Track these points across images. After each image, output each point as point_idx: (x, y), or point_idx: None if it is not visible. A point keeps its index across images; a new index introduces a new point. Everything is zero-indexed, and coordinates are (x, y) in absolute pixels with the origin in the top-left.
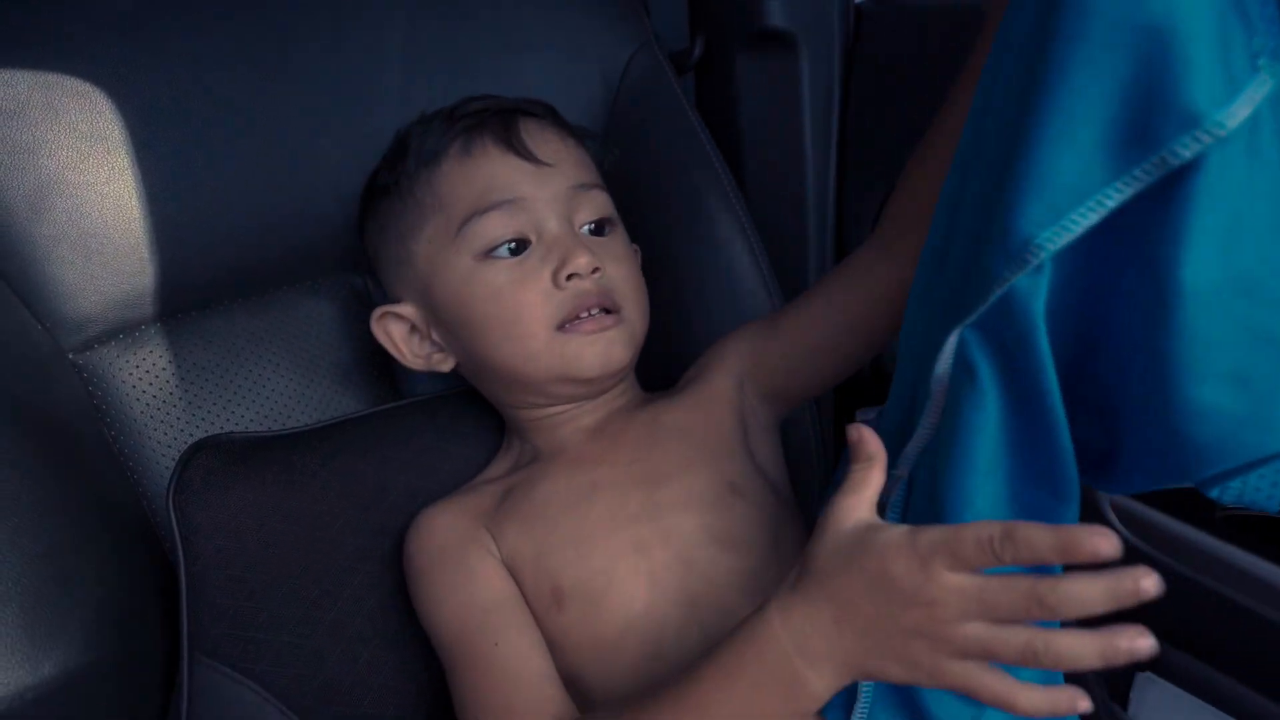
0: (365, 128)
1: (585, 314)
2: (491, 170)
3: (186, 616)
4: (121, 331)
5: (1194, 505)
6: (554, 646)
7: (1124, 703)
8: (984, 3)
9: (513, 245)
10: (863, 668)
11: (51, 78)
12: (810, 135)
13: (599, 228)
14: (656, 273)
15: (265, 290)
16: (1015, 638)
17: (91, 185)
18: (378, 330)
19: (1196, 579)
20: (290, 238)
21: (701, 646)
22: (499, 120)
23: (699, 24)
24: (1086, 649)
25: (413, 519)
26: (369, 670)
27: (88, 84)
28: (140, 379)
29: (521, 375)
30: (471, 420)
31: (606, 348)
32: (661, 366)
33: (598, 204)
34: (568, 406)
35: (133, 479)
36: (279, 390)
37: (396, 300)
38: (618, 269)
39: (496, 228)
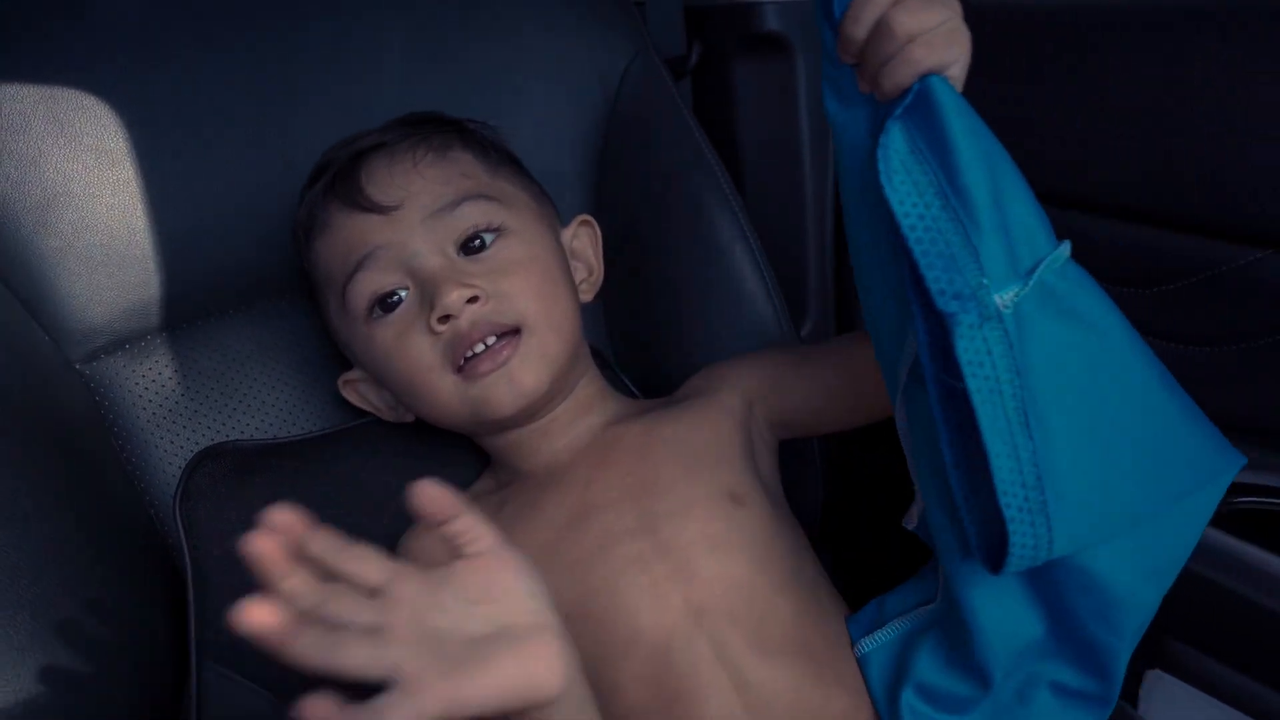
0: None
1: (480, 347)
2: (345, 234)
3: (194, 622)
4: (128, 341)
5: None
6: None
7: (1134, 700)
8: None
9: (390, 299)
10: None
11: (56, 91)
12: (808, 137)
13: (476, 241)
14: (657, 278)
15: (269, 300)
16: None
17: (96, 197)
18: (348, 394)
19: (1206, 574)
20: (293, 248)
21: (712, 653)
22: (340, 176)
23: (695, 30)
24: None
25: (407, 531)
26: None
27: (91, 97)
28: (146, 389)
29: (447, 423)
30: None
31: (511, 380)
32: (662, 371)
33: (466, 218)
34: (527, 429)
35: (140, 487)
36: (283, 399)
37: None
38: (507, 281)
39: (365, 287)
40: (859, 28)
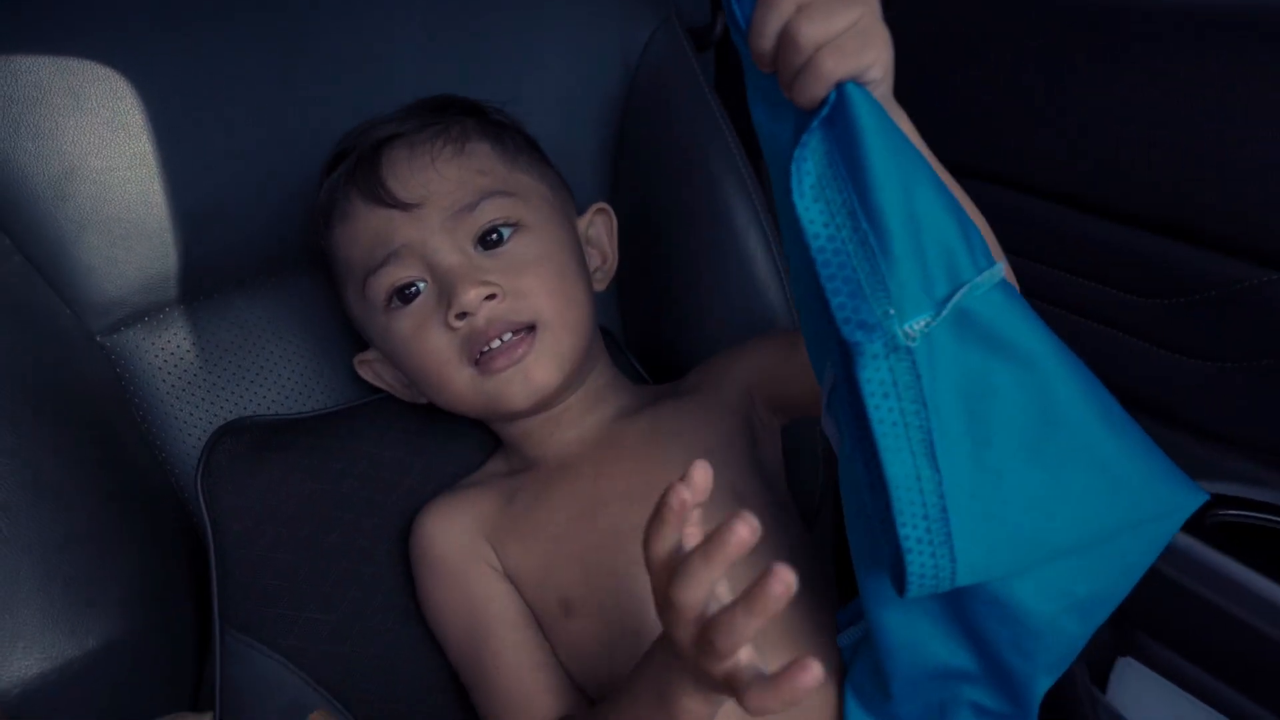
0: (382, 110)
1: (496, 343)
2: (367, 227)
3: (217, 593)
4: (147, 314)
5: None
6: (562, 648)
7: (1103, 684)
8: None
9: (408, 290)
10: (702, 694)
11: (72, 63)
12: None
13: (494, 235)
14: (669, 260)
15: (286, 273)
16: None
17: (114, 170)
18: (364, 373)
19: (1183, 582)
20: (311, 228)
21: None
22: (362, 167)
23: None
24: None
25: (421, 510)
26: (388, 646)
27: (108, 69)
28: (165, 360)
29: (460, 411)
30: None
31: (526, 377)
32: (671, 354)
33: (485, 215)
34: (539, 418)
35: (160, 457)
36: (298, 372)
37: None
38: (524, 277)
39: (386, 281)
40: (764, 40)
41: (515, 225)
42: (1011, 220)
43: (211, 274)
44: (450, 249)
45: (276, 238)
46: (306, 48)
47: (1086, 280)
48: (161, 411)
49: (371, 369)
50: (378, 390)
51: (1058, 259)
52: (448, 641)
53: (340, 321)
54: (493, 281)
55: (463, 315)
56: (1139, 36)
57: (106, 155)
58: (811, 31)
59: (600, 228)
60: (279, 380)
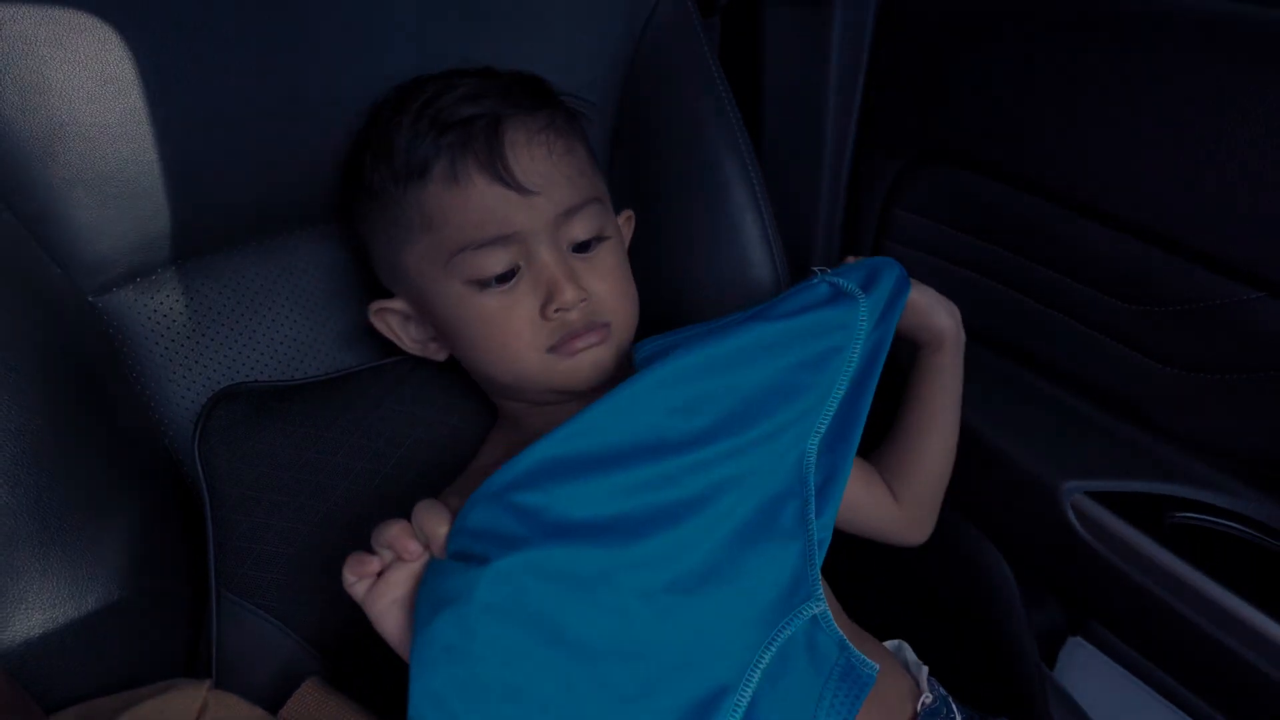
0: (380, 69)
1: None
2: (482, 202)
3: (214, 556)
4: (139, 274)
5: (1146, 513)
6: None
7: (1051, 661)
8: None
9: (509, 274)
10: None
11: (58, 12)
12: (834, 94)
13: (587, 244)
14: (664, 235)
15: (279, 234)
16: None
17: (104, 127)
18: (376, 322)
19: (1135, 577)
20: (304, 181)
21: None
22: (485, 139)
23: None
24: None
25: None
26: None
27: (96, 19)
28: (159, 322)
29: (513, 385)
30: None
31: (595, 361)
32: (659, 330)
33: (587, 223)
34: (559, 406)
35: (154, 419)
36: (292, 335)
37: (389, 293)
38: (605, 285)
39: (490, 263)
40: None
41: (603, 236)
42: (1004, 213)
43: (204, 234)
44: (552, 244)
45: (270, 199)
46: (301, 3)
47: (1069, 279)
48: (155, 374)
49: (384, 319)
50: (367, 357)
51: (1044, 254)
52: None
53: (331, 286)
54: (585, 286)
55: (558, 310)
56: (1142, 43)
57: (96, 111)
58: None
59: (623, 233)
60: (271, 345)
